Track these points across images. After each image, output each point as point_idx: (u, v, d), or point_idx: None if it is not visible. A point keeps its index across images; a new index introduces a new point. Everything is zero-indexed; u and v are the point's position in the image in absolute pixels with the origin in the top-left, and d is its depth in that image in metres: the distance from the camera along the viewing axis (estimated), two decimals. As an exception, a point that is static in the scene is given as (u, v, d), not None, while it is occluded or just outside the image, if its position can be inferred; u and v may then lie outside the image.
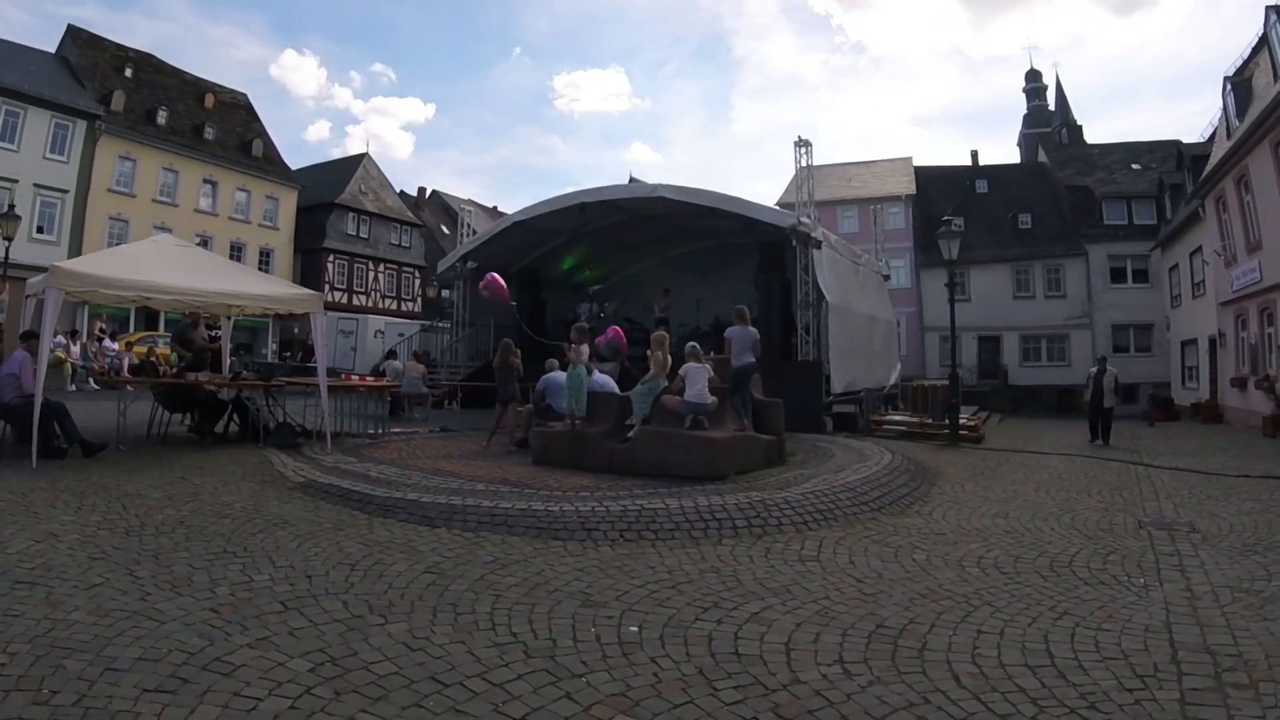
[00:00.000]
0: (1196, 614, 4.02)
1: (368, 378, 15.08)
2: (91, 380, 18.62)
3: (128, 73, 32.07)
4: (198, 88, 35.86)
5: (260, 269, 31.28)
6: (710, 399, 8.23)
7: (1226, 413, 20.57)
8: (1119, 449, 13.16)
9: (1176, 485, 8.82)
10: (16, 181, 25.27)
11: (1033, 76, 79.37)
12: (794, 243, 15.11)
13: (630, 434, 8.32)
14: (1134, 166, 34.47)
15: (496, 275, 12.09)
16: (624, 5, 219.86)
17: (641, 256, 21.57)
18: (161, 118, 31.77)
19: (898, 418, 15.83)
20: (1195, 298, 24.85)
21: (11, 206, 17.95)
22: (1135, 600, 4.28)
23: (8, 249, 15.59)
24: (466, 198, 30.44)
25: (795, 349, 15.28)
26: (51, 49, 30.96)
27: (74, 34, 31.51)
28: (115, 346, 21.17)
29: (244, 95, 38.85)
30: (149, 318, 26.01)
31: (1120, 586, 4.56)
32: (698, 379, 8.18)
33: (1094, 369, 15.59)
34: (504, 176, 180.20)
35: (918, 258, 34.84)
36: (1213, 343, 22.40)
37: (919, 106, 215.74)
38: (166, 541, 4.96)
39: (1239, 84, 20.24)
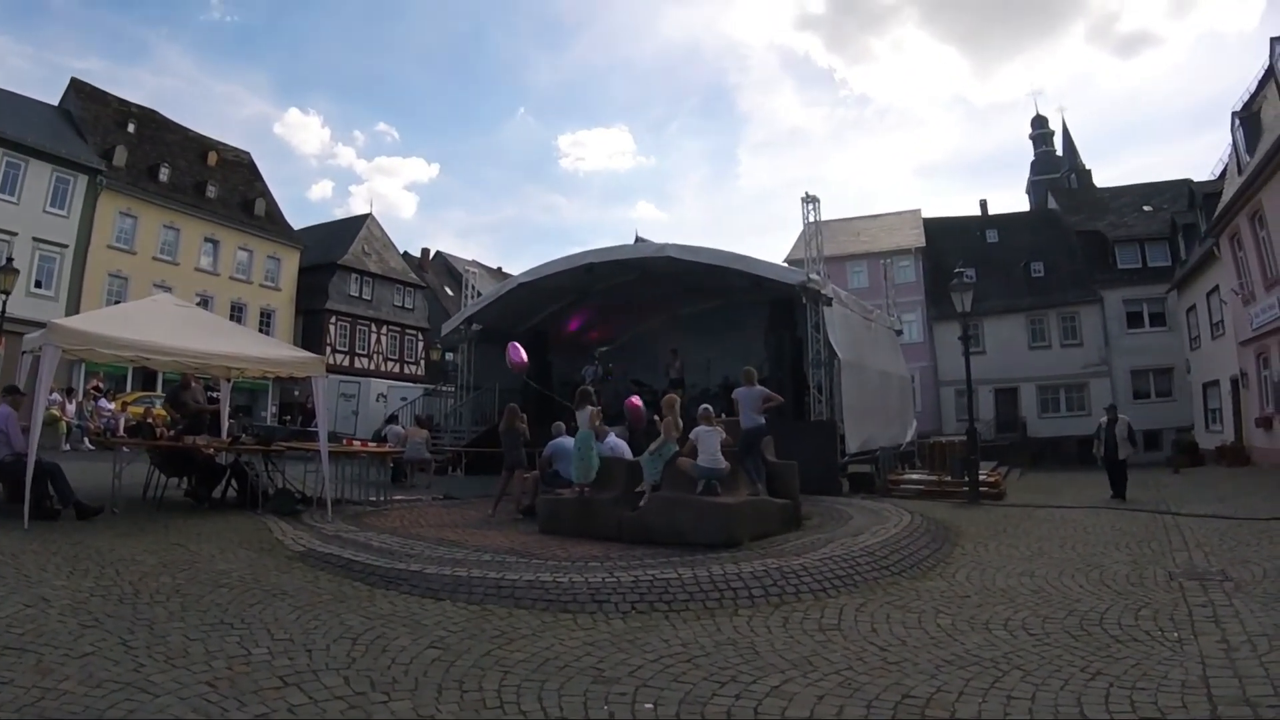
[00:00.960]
0: (1234, 666, 3.89)
1: (370, 443, 14.94)
2: (86, 440, 18.47)
3: (130, 128, 32.40)
4: (200, 145, 36.33)
5: (261, 330, 31.38)
6: (724, 463, 8.05)
7: (1253, 454, 20.22)
8: (1144, 500, 12.81)
9: (1206, 533, 8.55)
10: (16, 234, 25.18)
11: (1039, 123, 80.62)
12: (804, 300, 15.09)
13: (641, 501, 8.12)
14: (1145, 208, 34.61)
15: (518, 346, 11.88)
16: (626, 62, 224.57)
17: (649, 316, 21.58)
18: (164, 174, 32.05)
19: (915, 476, 15.56)
20: (1215, 338, 24.64)
21: (10, 260, 17.87)
22: (1170, 655, 4.13)
23: (5, 303, 15.52)
24: (470, 258, 30.67)
25: (808, 408, 15.08)
26: (54, 101, 31.32)
27: (77, 87, 31.94)
28: (111, 406, 21.00)
29: (247, 154, 39.43)
30: (146, 377, 25.92)
31: (1154, 642, 4.40)
32: (710, 442, 8.02)
33: (1104, 419, 14.60)
34: (508, 235, 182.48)
35: (930, 311, 34.93)
36: (1235, 383, 22.14)
37: (925, 157, 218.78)
38: (161, 610, 4.83)
39: (1247, 118, 20.41)
